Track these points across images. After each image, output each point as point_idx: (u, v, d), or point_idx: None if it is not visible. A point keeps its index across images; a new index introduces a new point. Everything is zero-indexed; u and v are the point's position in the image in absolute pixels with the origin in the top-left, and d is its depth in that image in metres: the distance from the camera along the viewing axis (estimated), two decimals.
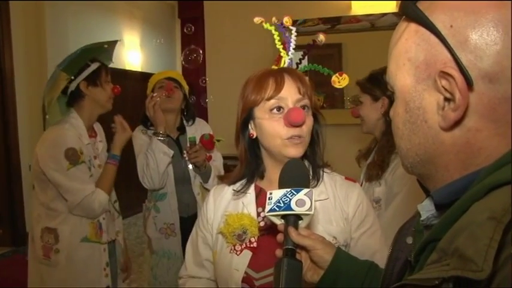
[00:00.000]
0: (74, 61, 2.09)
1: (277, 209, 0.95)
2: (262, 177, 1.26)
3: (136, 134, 2.45)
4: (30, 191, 4.45)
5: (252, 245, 1.17)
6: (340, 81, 1.41)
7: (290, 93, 1.15)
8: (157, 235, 2.43)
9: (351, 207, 1.20)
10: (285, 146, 1.15)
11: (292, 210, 0.94)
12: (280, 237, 0.96)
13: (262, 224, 1.20)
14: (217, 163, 2.51)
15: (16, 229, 4.41)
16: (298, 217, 0.95)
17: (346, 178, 1.29)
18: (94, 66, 2.12)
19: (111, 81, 2.21)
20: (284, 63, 1.30)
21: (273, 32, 1.35)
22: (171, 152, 2.31)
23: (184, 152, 2.43)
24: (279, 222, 0.97)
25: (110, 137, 2.24)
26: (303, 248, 0.96)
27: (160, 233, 2.42)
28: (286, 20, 1.37)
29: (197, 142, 2.36)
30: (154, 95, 2.34)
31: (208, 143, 2.21)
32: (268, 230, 1.17)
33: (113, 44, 2.30)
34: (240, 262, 1.17)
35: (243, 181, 1.26)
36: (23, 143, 4.40)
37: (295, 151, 1.14)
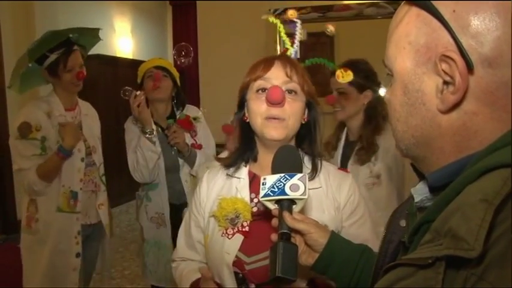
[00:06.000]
0: (34, 50, 2.18)
1: (272, 194, 0.96)
2: (255, 161, 1.27)
3: (127, 125, 2.44)
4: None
5: (244, 229, 1.18)
6: (344, 76, 1.46)
7: (276, 76, 1.17)
8: (149, 224, 2.45)
9: (343, 197, 1.22)
10: (264, 127, 1.16)
11: (287, 194, 0.95)
12: (275, 221, 0.97)
13: (255, 209, 1.21)
14: (209, 151, 2.50)
15: (7, 217, 4.38)
16: (292, 202, 0.96)
17: (339, 169, 1.32)
18: (53, 57, 2.19)
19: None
20: (290, 55, 1.32)
21: (279, 25, 1.38)
22: (159, 150, 2.31)
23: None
24: (273, 207, 0.99)
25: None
26: (298, 232, 0.97)
27: (152, 221, 2.44)
28: (291, 13, 1.40)
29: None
30: (138, 93, 2.26)
31: (184, 122, 2.22)
32: (261, 215, 1.18)
33: (80, 31, 2.33)
34: (232, 245, 1.18)
35: (237, 165, 1.27)
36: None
37: (274, 132, 1.15)
